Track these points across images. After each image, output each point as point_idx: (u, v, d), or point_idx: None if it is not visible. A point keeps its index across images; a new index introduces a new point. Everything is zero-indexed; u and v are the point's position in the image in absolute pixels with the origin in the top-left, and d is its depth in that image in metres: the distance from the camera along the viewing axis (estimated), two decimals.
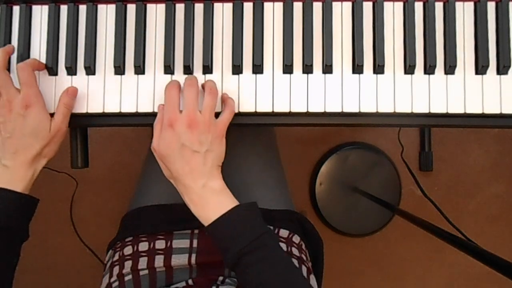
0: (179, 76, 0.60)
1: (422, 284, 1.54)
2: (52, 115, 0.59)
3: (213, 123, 0.56)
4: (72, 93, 0.59)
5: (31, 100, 0.56)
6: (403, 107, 0.59)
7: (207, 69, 0.60)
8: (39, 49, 0.61)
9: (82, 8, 0.61)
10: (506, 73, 0.59)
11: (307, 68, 0.59)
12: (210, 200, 0.56)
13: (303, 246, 0.75)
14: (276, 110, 0.60)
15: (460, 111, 0.59)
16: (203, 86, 0.59)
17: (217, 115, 0.58)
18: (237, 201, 0.57)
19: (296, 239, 0.74)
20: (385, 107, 0.59)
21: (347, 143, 1.51)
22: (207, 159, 0.56)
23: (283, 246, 0.71)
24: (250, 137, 0.82)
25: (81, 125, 0.64)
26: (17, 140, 0.56)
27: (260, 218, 0.57)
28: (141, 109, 0.60)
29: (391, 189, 1.49)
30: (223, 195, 0.57)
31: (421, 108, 0.59)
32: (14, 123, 0.55)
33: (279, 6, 0.60)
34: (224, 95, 0.59)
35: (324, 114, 0.60)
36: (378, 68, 0.59)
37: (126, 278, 0.67)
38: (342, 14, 0.60)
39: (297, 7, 0.60)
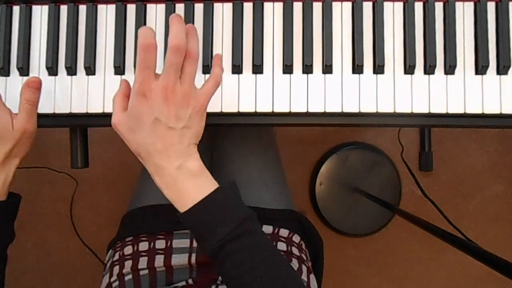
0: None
1: (422, 284, 1.54)
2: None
3: (194, 95, 0.49)
4: (33, 85, 0.54)
5: None
6: (403, 107, 0.59)
7: (207, 69, 0.60)
8: (39, 49, 0.61)
9: (82, 8, 0.61)
10: (506, 73, 0.59)
11: (307, 68, 0.59)
12: (187, 183, 0.49)
13: (303, 246, 0.75)
14: (276, 110, 0.60)
15: (460, 111, 0.59)
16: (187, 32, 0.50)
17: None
18: (216, 182, 0.51)
19: (296, 238, 0.74)
20: (385, 107, 0.59)
21: (347, 143, 1.51)
22: (184, 137, 0.49)
23: (283, 245, 0.71)
24: (250, 137, 0.82)
25: (81, 125, 0.64)
26: None
27: (241, 201, 0.51)
28: None
29: (391, 189, 1.49)
30: (201, 177, 0.50)
31: (421, 108, 0.59)
32: None
33: (279, 6, 0.60)
34: (215, 59, 0.54)
35: (324, 114, 0.60)
36: (378, 68, 0.59)
37: (126, 278, 0.67)
38: (342, 14, 0.60)
39: (297, 7, 0.60)
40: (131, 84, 0.50)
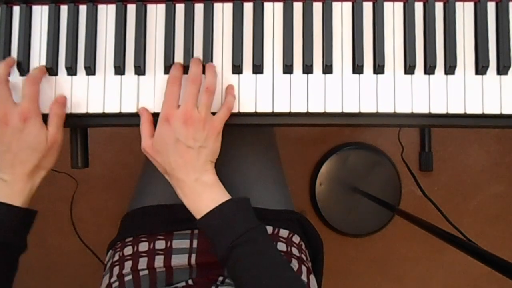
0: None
1: (422, 284, 1.54)
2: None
3: (209, 120, 0.57)
4: (62, 102, 0.59)
5: (29, 114, 0.56)
6: (403, 107, 0.59)
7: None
8: (39, 49, 0.61)
9: (82, 8, 0.61)
10: (506, 73, 0.59)
11: (307, 68, 0.59)
12: (202, 193, 0.57)
13: (303, 246, 0.75)
14: (276, 110, 0.60)
15: (460, 111, 0.59)
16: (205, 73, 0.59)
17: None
18: (230, 195, 0.58)
19: (296, 239, 0.74)
20: (385, 107, 0.59)
21: (347, 143, 1.51)
22: (201, 155, 0.57)
23: (283, 246, 0.71)
24: (250, 137, 0.82)
25: (81, 125, 0.64)
26: (14, 154, 0.56)
27: (251, 213, 0.57)
28: None
29: (391, 189, 1.49)
30: (215, 188, 0.58)
31: (421, 108, 0.59)
32: (11, 137, 0.55)
33: (279, 6, 0.60)
34: (228, 88, 0.60)
35: (324, 114, 0.60)
36: (378, 68, 0.59)
37: (126, 278, 0.67)
38: (342, 14, 0.60)
39: (297, 7, 0.60)
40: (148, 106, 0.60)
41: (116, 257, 0.71)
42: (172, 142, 0.56)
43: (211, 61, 0.60)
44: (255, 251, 0.54)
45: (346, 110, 0.59)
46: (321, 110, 0.59)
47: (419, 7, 0.60)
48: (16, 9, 0.61)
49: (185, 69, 0.60)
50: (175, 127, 0.55)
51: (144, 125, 0.59)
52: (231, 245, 0.53)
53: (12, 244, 0.56)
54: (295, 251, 0.72)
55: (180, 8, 0.60)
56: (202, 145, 0.56)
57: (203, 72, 0.59)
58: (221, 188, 0.59)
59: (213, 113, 0.58)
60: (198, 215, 0.57)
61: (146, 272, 0.67)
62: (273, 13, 0.60)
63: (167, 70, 0.60)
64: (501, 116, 0.60)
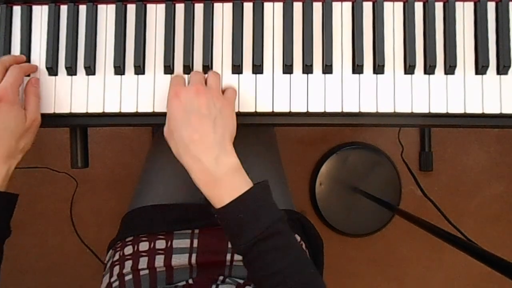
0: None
1: (422, 284, 1.54)
2: None
3: (220, 94, 0.56)
4: (36, 82, 0.59)
5: (6, 95, 0.54)
6: (403, 107, 0.59)
7: (207, 69, 0.60)
8: (39, 49, 0.61)
9: (82, 8, 0.61)
10: (506, 73, 0.59)
11: (307, 68, 0.59)
12: (224, 178, 0.51)
13: (303, 246, 0.75)
14: (276, 110, 0.60)
15: (460, 111, 0.59)
16: (206, 78, 0.59)
17: None
18: (250, 181, 0.54)
19: (296, 239, 0.74)
20: (385, 107, 0.59)
21: (347, 143, 1.51)
22: (217, 127, 0.52)
23: None
24: (250, 137, 0.82)
25: (81, 125, 0.64)
26: None
27: (273, 201, 0.53)
28: (141, 109, 0.60)
29: (391, 189, 1.49)
30: (238, 174, 0.53)
31: (421, 108, 0.59)
32: None
33: (279, 6, 0.60)
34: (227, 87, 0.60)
35: (324, 114, 0.60)
36: (378, 68, 0.59)
37: (127, 278, 0.67)
38: (342, 14, 0.60)
39: (297, 7, 0.60)
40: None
41: (117, 257, 0.71)
42: (183, 114, 0.52)
43: (211, 61, 0.60)
44: (279, 246, 0.50)
45: (346, 110, 0.59)
46: (321, 110, 0.59)
47: (419, 7, 0.60)
48: (16, 9, 0.61)
49: (185, 68, 0.60)
50: (186, 99, 0.53)
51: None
52: (255, 239, 0.49)
53: None
54: None
55: (180, 8, 0.60)
56: (217, 115, 0.53)
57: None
58: (243, 173, 0.53)
59: None
60: (218, 204, 0.51)
61: (147, 271, 0.67)
62: (273, 13, 0.60)
63: (167, 70, 0.60)
64: (501, 116, 0.60)
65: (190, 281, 0.65)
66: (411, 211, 1.06)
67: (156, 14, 0.61)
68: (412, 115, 0.60)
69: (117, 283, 0.67)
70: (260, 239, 0.49)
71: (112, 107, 0.60)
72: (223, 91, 0.59)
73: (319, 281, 0.52)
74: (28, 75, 0.60)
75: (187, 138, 0.51)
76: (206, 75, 0.59)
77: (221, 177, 0.51)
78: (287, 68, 0.59)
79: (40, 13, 0.61)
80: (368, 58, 0.60)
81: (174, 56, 0.60)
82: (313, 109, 0.59)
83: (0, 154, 0.55)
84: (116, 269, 0.69)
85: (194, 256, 0.68)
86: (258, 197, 0.52)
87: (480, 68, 0.59)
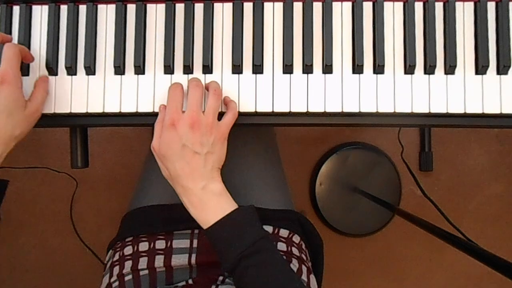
0: (179, 76, 0.60)
1: (422, 284, 1.54)
2: None
3: (216, 125, 0.56)
4: (46, 79, 0.59)
5: (7, 77, 0.53)
6: (403, 107, 0.59)
7: (207, 69, 0.60)
8: (39, 49, 0.61)
9: (82, 8, 0.61)
10: (506, 73, 0.59)
11: (307, 68, 0.59)
12: (210, 202, 0.56)
13: (303, 246, 0.75)
14: (276, 110, 0.60)
15: (460, 111, 0.59)
16: (206, 87, 0.59)
17: (219, 117, 0.58)
18: (236, 203, 0.57)
19: (296, 239, 0.74)
20: (385, 107, 0.59)
21: (347, 143, 1.51)
22: (208, 161, 0.55)
23: (283, 246, 0.71)
24: (250, 137, 0.82)
25: (81, 125, 0.64)
26: None
27: (258, 222, 0.57)
28: (141, 109, 0.60)
29: (391, 189, 1.49)
30: (223, 198, 0.57)
31: (421, 108, 0.59)
32: None
33: (279, 6, 0.60)
34: (226, 98, 0.59)
35: (324, 114, 0.60)
36: (378, 68, 0.59)
37: (126, 278, 0.67)
38: (342, 14, 0.60)
39: (297, 7, 0.60)
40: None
41: (116, 257, 0.71)
42: (179, 147, 0.54)
43: (211, 61, 0.60)
44: (263, 262, 0.54)
45: (346, 110, 0.59)
46: (321, 110, 0.59)
47: (419, 7, 0.60)
48: (16, 9, 0.61)
49: (185, 68, 0.60)
50: (182, 132, 0.54)
51: (157, 124, 0.57)
52: (240, 256, 0.53)
53: None
54: (295, 251, 0.72)
55: (180, 8, 0.60)
56: (209, 150, 0.55)
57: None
58: (229, 197, 0.57)
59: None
60: (205, 225, 0.55)
61: (146, 272, 0.67)
62: (273, 13, 0.60)
63: (167, 70, 0.60)
64: (501, 116, 0.60)
65: (190, 282, 0.65)
66: (411, 211, 1.06)
67: (156, 14, 0.61)
68: (412, 115, 0.60)
69: (117, 283, 0.67)
70: (245, 256, 0.53)
71: (112, 107, 0.60)
72: (221, 113, 0.58)
73: None
74: (28, 73, 0.60)
75: (179, 169, 0.55)
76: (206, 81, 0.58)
77: (207, 201, 0.56)
78: (287, 68, 0.59)
79: (40, 13, 0.61)
80: (368, 58, 0.60)
81: (174, 56, 0.60)
82: (313, 109, 0.59)
83: None
84: (116, 269, 0.69)
85: (194, 256, 0.68)
86: (241, 217, 0.56)
87: (480, 68, 0.59)
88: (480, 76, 0.60)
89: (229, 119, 0.57)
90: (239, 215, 0.55)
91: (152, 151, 0.57)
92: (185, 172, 0.55)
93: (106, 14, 0.61)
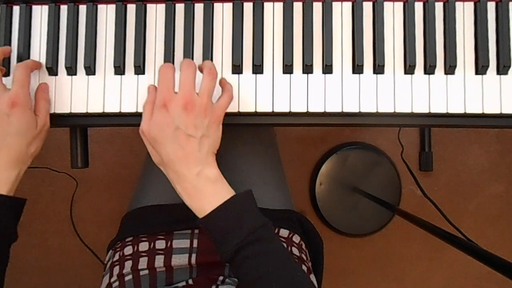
0: (179, 76, 0.60)
1: (422, 284, 1.54)
2: None
3: (211, 107, 0.53)
4: (46, 88, 0.59)
5: (18, 100, 0.54)
6: (403, 107, 0.59)
7: None
8: (39, 49, 0.61)
9: (82, 8, 0.61)
10: (506, 73, 0.59)
11: (307, 68, 0.59)
12: (205, 189, 0.52)
13: (303, 246, 0.75)
14: (276, 110, 0.60)
15: (460, 111, 0.59)
16: (200, 68, 0.56)
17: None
18: (233, 190, 0.54)
19: (296, 239, 0.74)
20: (385, 107, 0.59)
21: (347, 143, 1.51)
22: (203, 145, 0.52)
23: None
24: (250, 137, 0.82)
25: (81, 125, 0.64)
26: (0, 139, 0.54)
27: (257, 208, 0.54)
28: (141, 109, 0.60)
29: (391, 189, 1.49)
30: (219, 184, 0.53)
31: (421, 108, 0.59)
32: None
33: (279, 6, 0.60)
34: (223, 80, 0.58)
35: (324, 114, 0.60)
36: (378, 68, 0.59)
37: (126, 278, 0.67)
38: (342, 14, 0.60)
39: (297, 7, 0.60)
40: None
41: (116, 257, 0.71)
42: (171, 130, 0.51)
43: (211, 60, 0.60)
44: (263, 251, 0.50)
45: (346, 110, 0.59)
46: (321, 110, 0.59)
47: (419, 7, 0.60)
48: (16, 9, 0.61)
49: None
50: (174, 113, 0.50)
51: (147, 105, 0.53)
52: (238, 246, 0.50)
53: (1, 233, 0.54)
54: (295, 250, 0.72)
55: (180, 8, 0.60)
56: (204, 133, 0.52)
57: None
58: (225, 183, 0.54)
59: None
60: (200, 214, 0.52)
61: (146, 272, 0.67)
62: (273, 13, 0.60)
63: None
64: (501, 116, 0.60)
65: (190, 281, 0.65)
66: (411, 211, 1.06)
67: (156, 14, 0.61)
68: (412, 115, 0.60)
69: (117, 283, 0.67)
70: (243, 245, 0.50)
71: (112, 107, 0.60)
72: (218, 98, 0.56)
73: (308, 283, 0.52)
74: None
75: (171, 153, 0.51)
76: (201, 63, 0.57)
77: (202, 188, 0.52)
78: (287, 68, 0.59)
79: (40, 13, 0.61)
80: (368, 58, 0.60)
81: (174, 56, 0.60)
82: (313, 109, 0.59)
83: (11, 159, 0.55)
84: (116, 269, 0.69)
85: (194, 256, 0.68)
86: (239, 205, 0.52)
87: (480, 68, 0.59)
88: (480, 76, 0.60)
89: (224, 101, 0.55)
90: (237, 202, 0.52)
91: (141, 135, 0.54)
92: (178, 157, 0.51)
93: (106, 14, 0.61)
